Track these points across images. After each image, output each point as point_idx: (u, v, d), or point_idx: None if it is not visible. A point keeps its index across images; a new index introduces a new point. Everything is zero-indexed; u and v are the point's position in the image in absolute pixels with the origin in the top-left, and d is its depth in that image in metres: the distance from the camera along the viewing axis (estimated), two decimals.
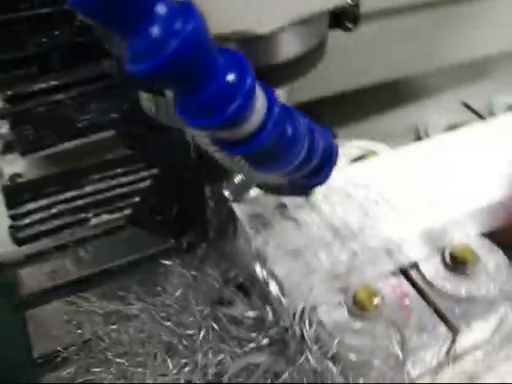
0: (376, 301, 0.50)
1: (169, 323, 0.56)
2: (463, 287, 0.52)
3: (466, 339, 0.51)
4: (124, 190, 0.80)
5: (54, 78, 0.74)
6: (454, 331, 0.50)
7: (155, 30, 0.21)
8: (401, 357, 0.48)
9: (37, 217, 0.76)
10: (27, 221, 0.76)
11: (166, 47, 0.21)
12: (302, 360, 0.48)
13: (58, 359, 0.55)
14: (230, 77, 0.24)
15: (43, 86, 0.73)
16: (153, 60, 0.21)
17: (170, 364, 0.53)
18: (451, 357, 0.52)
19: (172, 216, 0.61)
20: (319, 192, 0.54)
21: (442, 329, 0.50)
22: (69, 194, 0.79)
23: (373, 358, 0.48)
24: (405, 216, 0.53)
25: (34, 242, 0.73)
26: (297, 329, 0.49)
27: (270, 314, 0.54)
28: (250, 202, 0.54)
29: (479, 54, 0.79)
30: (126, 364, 0.53)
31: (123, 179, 0.81)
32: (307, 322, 0.49)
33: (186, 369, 0.52)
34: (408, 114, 0.74)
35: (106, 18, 0.21)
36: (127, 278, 0.62)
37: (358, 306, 0.50)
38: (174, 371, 0.52)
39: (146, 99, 0.43)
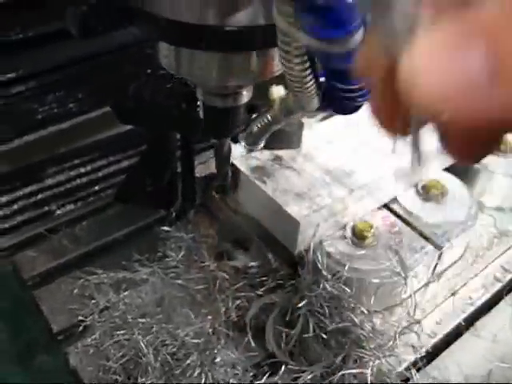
0: (372, 231, 0.57)
1: (180, 281, 0.59)
2: (439, 213, 0.60)
3: (447, 256, 0.60)
4: (84, 179, 0.81)
5: (12, 70, 0.75)
6: (438, 249, 0.58)
7: None
8: (402, 273, 0.55)
9: None
10: None
11: None
12: (320, 289, 0.54)
13: (79, 330, 0.56)
14: None
15: (1, 78, 0.74)
16: None
17: (192, 315, 0.56)
18: (437, 273, 0.60)
19: (162, 187, 0.64)
20: (309, 143, 0.60)
21: (429, 247, 0.57)
22: (29, 189, 0.79)
23: (378, 278, 0.54)
24: (384, 157, 0.60)
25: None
26: (310, 261, 0.55)
27: (273, 260, 0.60)
28: (247, 157, 0.59)
29: None
30: (150, 322, 0.56)
31: (82, 169, 0.82)
32: (319, 254, 0.55)
33: (209, 317, 0.56)
34: None
35: None
36: (126, 249, 0.64)
37: (358, 237, 0.56)
38: (198, 320, 0.56)
39: (165, 56, 0.47)
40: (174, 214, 0.66)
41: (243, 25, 0.41)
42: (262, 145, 0.51)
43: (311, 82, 0.36)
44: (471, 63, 0.16)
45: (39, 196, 0.78)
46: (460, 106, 0.17)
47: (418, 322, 0.58)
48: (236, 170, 0.58)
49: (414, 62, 0.17)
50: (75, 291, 0.60)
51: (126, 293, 0.59)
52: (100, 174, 0.82)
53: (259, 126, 0.48)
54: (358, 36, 0.29)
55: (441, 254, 0.58)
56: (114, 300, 0.59)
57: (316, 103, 0.39)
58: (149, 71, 0.60)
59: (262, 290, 0.58)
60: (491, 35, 0.16)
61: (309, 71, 0.35)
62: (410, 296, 0.57)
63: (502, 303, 0.63)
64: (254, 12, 0.41)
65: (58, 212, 0.76)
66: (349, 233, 0.57)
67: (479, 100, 0.16)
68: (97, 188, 0.80)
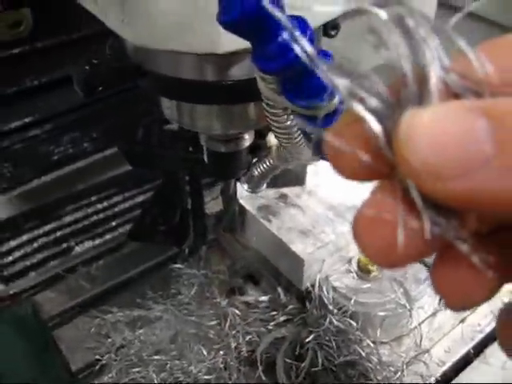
0: None
1: (193, 318, 0.61)
2: None
3: None
4: (101, 215, 0.84)
5: (28, 114, 0.78)
6: None
7: None
8: (407, 305, 0.56)
9: (20, 253, 0.79)
10: (10, 258, 0.78)
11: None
12: (326, 323, 0.55)
13: (96, 368, 0.59)
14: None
15: (18, 123, 0.77)
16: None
17: (204, 351, 0.58)
18: (443, 302, 0.61)
19: (174, 225, 0.67)
20: (312, 181, 0.62)
21: None
22: (48, 227, 0.82)
23: (384, 310, 0.56)
24: None
25: (21, 278, 0.75)
26: (316, 297, 0.56)
27: (283, 295, 0.62)
28: (253, 196, 0.60)
29: None
30: (164, 359, 0.58)
31: (98, 206, 0.85)
32: (325, 289, 0.56)
33: (221, 352, 0.58)
34: None
35: None
36: (140, 286, 0.66)
37: (363, 270, 0.58)
38: (210, 356, 0.58)
39: (168, 108, 0.49)
40: (186, 251, 0.68)
41: (238, 79, 0.43)
42: (263, 188, 0.53)
43: (297, 135, 0.38)
44: (474, 139, 0.18)
45: (58, 233, 0.81)
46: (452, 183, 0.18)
47: (427, 351, 0.59)
48: (242, 209, 0.60)
49: (413, 132, 0.18)
50: (92, 330, 0.62)
51: (141, 330, 0.61)
52: (116, 209, 0.84)
53: (259, 170, 0.50)
54: (337, 100, 0.31)
55: None
56: (129, 338, 0.61)
57: (307, 153, 0.41)
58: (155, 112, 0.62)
59: (272, 324, 0.60)
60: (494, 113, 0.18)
61: (294, 124, 0.37)
62: (417, 327, 0.58)
63: None
64: (248, 66, 0.43)
65: (77, 249, 0.79)
66: (354, 267, 0.58)
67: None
68: (114, 224, 0.82)
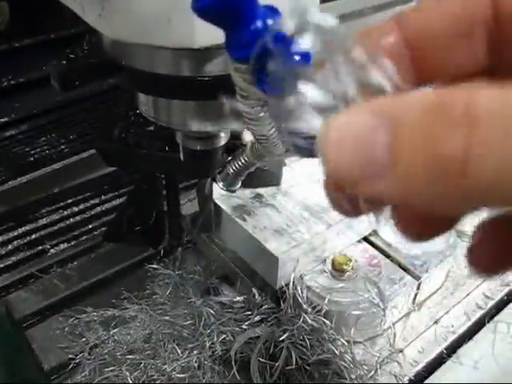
0: (351, 264, 0.59)
1: (167, 317, 0.61)
2: (418, 245, 0.62)
3: (427, 286, 0.61)
4: (77, 218, 0.83)
5: (4, 115, 0.78)
6: (417, 279, 0.60)
7: None
8: (381, 304, 0.56)
9: None
10: None
11: None
12: (300, 321, 0.55)
13: (69, 368, 0.58)
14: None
15: None
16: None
17: (178, 350, 0.58)
18: (417, 302, 0.61)
19: (150, 226, 0.66)
20: (287, 181, 0.62)
21: (408, 278, 0.59)
22: (23, 229, 0.81)
23: (357, 310, 0.56)
24: None
25: None
26: (291, 296, 0.57)
27: (258, 295, 0.62)
28: (228, 196, 0.61)
29: None
30: (138, 358, 0.58)
31: (75, 208, 0.84)
32: (299, 288, 0.57)
33: (195, 351, 0.58)
34: None
35: None
36: (115, 287, 0.66)
37: (338, 270, 0.58)
38: (185, 355, 0.57)
39: (144, 104, 0.50)
40: (161, 252, 0.68)
41: (214, 74, 0.44)
42: (238, 186, 0.53)
43: (271, 128, 0.38)
44: (374, 146, 0.18)
45: (33, 236, 0.80)
46: (362, 185, 0.19)
47: (400, 350, 0.59)
48: (218, 209, 0.61)
49: (328, 135, 0.19)
50: (66, 330, 0.61)
51: (115, 330, 0.61)
52: (92, 212, 0.84)
53: (234, 168, 0.51)
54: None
55: (419, 284, 0.59)
56: (103, 337, 0.61)
57: (282, 149, 0.41)
58: (132, 114, 0.63)
59: (247, 324, 0.60)
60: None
61: (267, 116, 0.37)
62: (391, 327, 0.58)
63: (483, 330, 0.64)
64: (224, 62, 0.43)
65: (52, 251, 0.78)
66: (328, 266, 0.59)
67: (379, 181, 0.18)
68: (90, 226, 0.82)
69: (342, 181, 0.19)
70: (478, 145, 0.16)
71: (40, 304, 0.65)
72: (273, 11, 0.31)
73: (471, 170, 0.17)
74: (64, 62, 0.44)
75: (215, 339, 0.58)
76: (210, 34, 0.29)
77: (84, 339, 0.60)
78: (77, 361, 0.58)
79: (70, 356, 0.59)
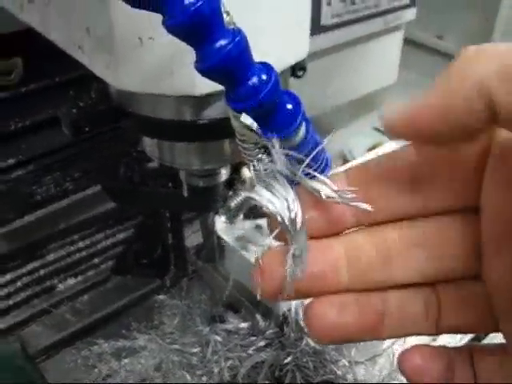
0: None
1: (176, 346, 0.64)
2: None
3: None
4: (83, 253, 0.86)
5: (11, 156, 0.81)
6: None
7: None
8: None
9: (3, 292, 0.80)
10: None
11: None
12: (303, 344, 0.58)
13: None
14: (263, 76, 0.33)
15: (2, 164, 0.80)
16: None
17: (188, 377, 0.61)
18: None
19: (156, 258, 0.70)
20: None
21: None
22: (31, 266, 0.84)
23: None
24: None
25: (6, 316, 0.77)
26: (293, 320, 0.60)
27: (262, 321, 0.65)
28: (231, 227, 0.64)
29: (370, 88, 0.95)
30: None
31: (81, 244, 0.87)
32: (300, 312, 0.59)
33: (204, 378, 0.61)
34: (332, 143, 0.87)
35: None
36: (124, 318, 0.69)
37: None
38: (194, 381, 0.60)
39: (149, 146, 0.53)
40: (167, 283, 0.71)
41: (214, 117, 0.47)
42: (240, 219, 0.57)
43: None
44: None
45: (41, 272, 0.83)
46: None
47: None
48: (221, 240, 0.64)
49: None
50: (78, 362, 0.64)
51: (126, 360, 0.64)
52: (99, 246, 0.86)
53: (235, 202, 0.54)
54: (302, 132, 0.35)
55: None
56: (115, 367, 0.63)
57: None
58: (133, 150, 0.66)
59: (252, 349, 0.62)
60: None
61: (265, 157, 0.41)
62: (390, 347, 0.61)
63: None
64: (222, 106, 0.47)
65: (60, 286, 0.81)
66: None
67: None
68: (96, 261, 0.84)
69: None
70: None
71: (53, 338, 0.67)
72: (267, 67, 0.34)
73: None
74: (74, 111, 0.48)
75: (223, 365, 0.61)
76: (210, 83, 0.32)
77: (96, 370, 0.63)
78: None
79: None
